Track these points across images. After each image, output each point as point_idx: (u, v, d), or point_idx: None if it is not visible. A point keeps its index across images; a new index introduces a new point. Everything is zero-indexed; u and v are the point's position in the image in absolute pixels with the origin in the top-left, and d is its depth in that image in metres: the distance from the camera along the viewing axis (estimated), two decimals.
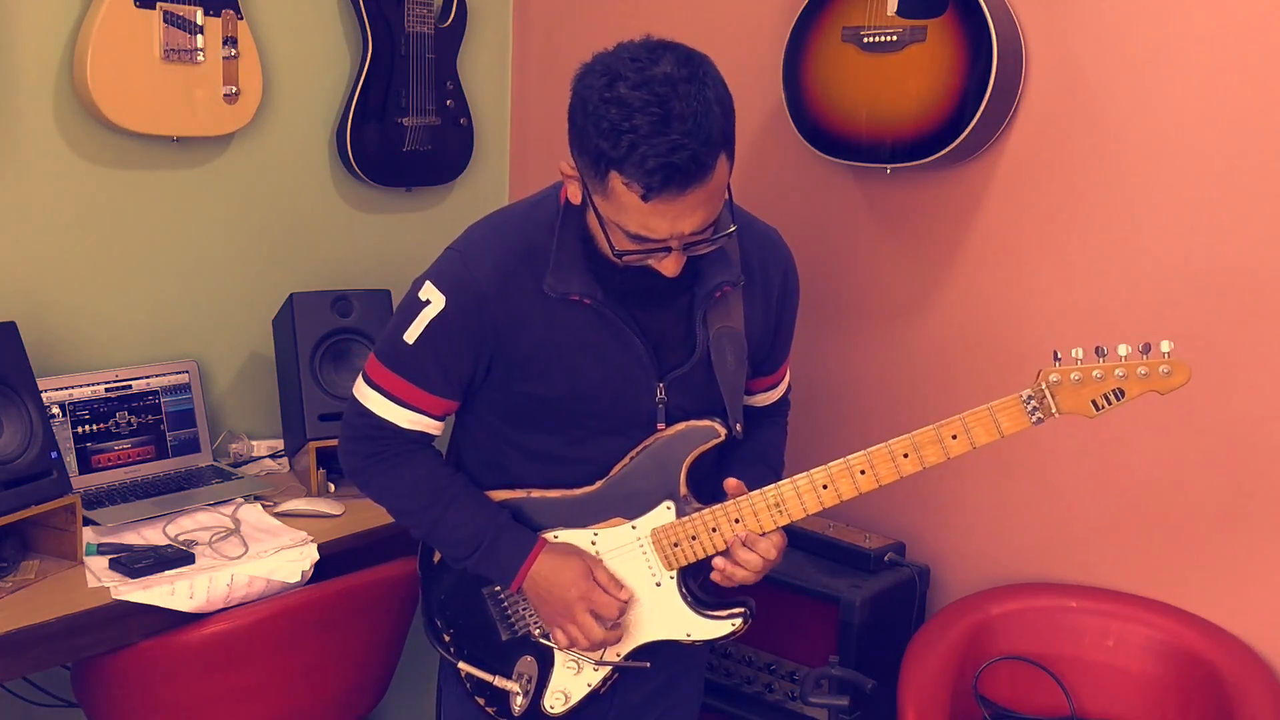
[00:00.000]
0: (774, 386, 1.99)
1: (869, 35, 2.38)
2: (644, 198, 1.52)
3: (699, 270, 1.73)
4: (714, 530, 1.75)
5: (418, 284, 1.76)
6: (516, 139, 3.27)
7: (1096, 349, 1.64)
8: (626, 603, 1.78)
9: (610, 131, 1.50)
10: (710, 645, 1.83)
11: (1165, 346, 1.62)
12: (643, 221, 1.55)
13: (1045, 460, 2.50)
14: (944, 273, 2.58)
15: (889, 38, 2.36)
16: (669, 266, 1.61)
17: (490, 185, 3.23)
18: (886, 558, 2.53)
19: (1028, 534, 2.54)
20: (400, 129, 2.87)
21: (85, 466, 2.46)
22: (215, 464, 2.64)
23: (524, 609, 1.85)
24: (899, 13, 2.34)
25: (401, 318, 1.76)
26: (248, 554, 2.23)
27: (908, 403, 2.65)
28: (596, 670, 1.82)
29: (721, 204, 1.61)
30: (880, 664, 2.38)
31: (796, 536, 2.61)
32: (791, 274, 1.91)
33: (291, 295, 2.62)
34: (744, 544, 1.73)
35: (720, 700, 2.53)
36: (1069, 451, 2.47)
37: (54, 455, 2.16)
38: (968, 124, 2.30)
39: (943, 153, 2.33)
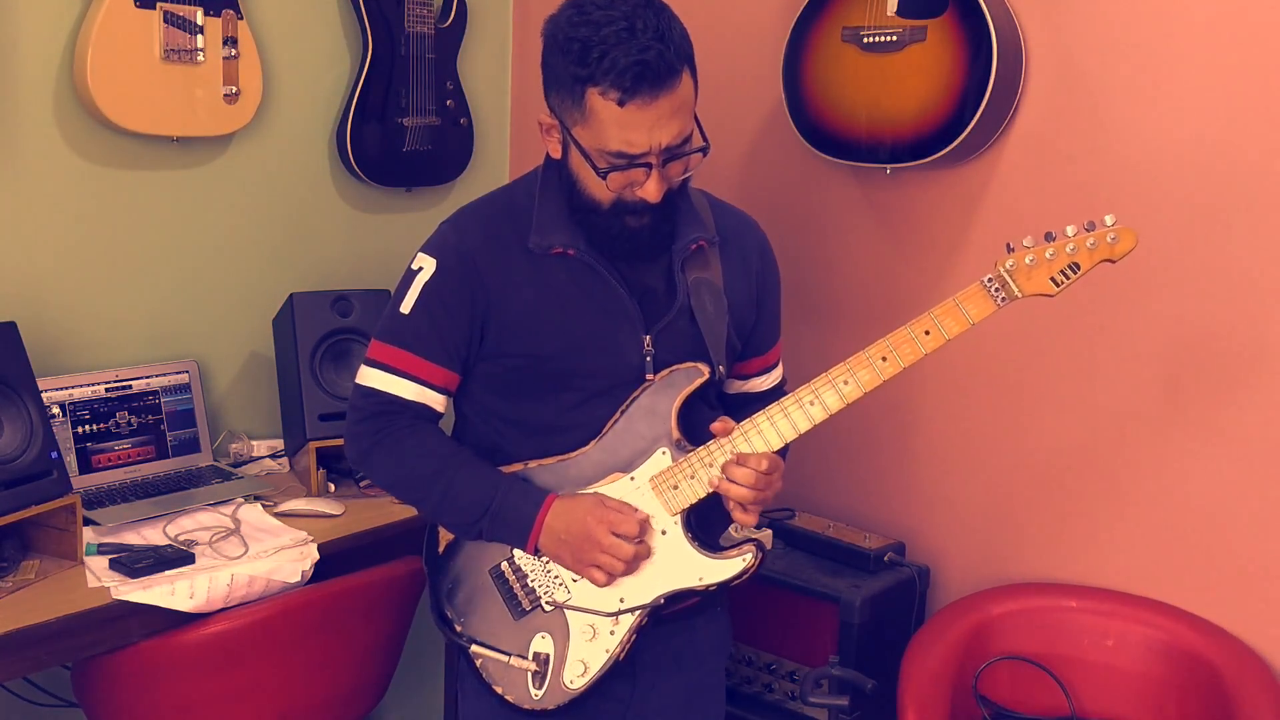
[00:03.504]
0: (769, 370, 2.01)
1: (869, 35, 2.38)
2: (620, 102, 1.61)
3: (675, 229, 1.80)
4: (711, 466, 1.76)
5: (411, 259, 1.83)
6: (516, 139, 3.27)
7: (1046, 234, 1.71)
8: (644, 522, 1.77)
9: (581, 52, 1.62)
10: (725, 589, 1.80)
11: (1109, 219, 1.69)
12: (622, 136, 1.64)
13: (1045, 460, 2.50)
14: (944, 273, 2.58)
15: (889, 38, 2.36)
16: (651, 189, 1.68)
17: (490, 185, 3.20)
18: (886, 558, 2.53)
19: (1028, 534, 2.54)
20: (400, 129, 2.87)
21: (85, 466, 2.46)
22: (215, 464, 2.64)
23: (533, 582, 1.84)
24: (899, 13, 2.35)
25: (397, 294, 1.83)
26: (248, 554, 2.22)
27: (908, 402, 2.65)
28: (613, 633, 1.80)
29: (692, 121, 1.69)
30: (880, 664, 2.38)
31: (797, 537, 2.62)
32: (769, 253, 1.97)
33: (291, 295, 2.62)
34: (736, 463, 1.75)
35: None
36: (1069, 452, 2.47)
37: (54, 455, 2.16)
38: (968, 124, 2.30)
39: (943, 153, 2.33)
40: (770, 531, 2.56)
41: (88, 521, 2.25)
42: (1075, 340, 2.42)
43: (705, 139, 1.73)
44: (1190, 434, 2.33)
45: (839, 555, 2.54)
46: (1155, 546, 2.39)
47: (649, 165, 1.67)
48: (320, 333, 2.61)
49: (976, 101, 2.29)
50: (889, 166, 2.41)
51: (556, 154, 1.77)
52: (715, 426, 1.76)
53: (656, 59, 1.60)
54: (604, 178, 1.68)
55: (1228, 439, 2.29)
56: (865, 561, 2.51)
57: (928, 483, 2.66)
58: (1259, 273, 2.23)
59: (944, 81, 2.32)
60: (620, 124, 1.63)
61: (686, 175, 1.74)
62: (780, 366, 2.05)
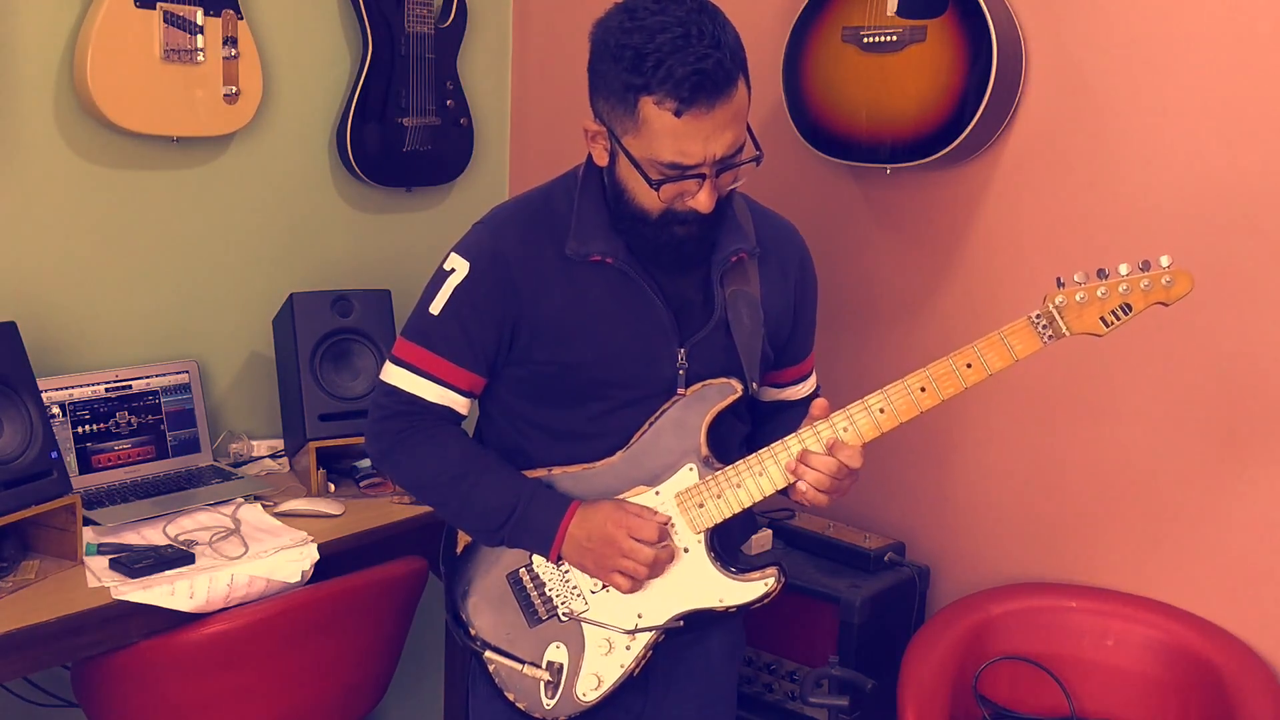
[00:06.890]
0: (803, 379, 1.98)
1: (869, 35, 2.38)
2: (678, 112, 1.56)
3: (716, 240, 1.76)
4: (739, 486, 1.73)
5: (444, 259, 1.79)
6: (516, 139, 3.27)
7: (1099, 271, 1.65)
8: (664, 525, 1.73)
9: (635, 60, 1.56)
10: (744, 612, 1.78)
11: (1164, 260, 1.64)
12: (677, 146, 1.59)
13: (1045, 460, 2.50)
14: (944, 273, 2.58)
15: (889, 38, 2.36)
16: (704, 200, 1.64)
17: (490, 185, 3.23)
18: (886, 558, 2.53)
19: (1028, 534, 2.54)
20: (400, 129, 2.87)
21: (85, 466, 2.46)
22: (215, 464, 2.64)
23: (550, 591, 1.82)
24: (899, 13, 2.35)
25: (427, 293, 1.78)
26: (248, 554, 2.23)
27: None
28: (629, 648, 1.79)
29: (745, 130, 1.64)
30: (880, 664, 2.39)
31: (797, 537, 2.62)
32: (808, 263, 1.93)
33: (291, 295, 2.62)
34: (828, 451, 1.69)
35: None
36: (1070, 451, 2.47)
37: (54, 455, 2.16)
38: (968, 124, 2.30)
39: (943, 153, 2.33)
40: (769, 532, 2.59)
41: (88, 521, 2.25)
42: (1076, 341, 2.42)
43: (758, 147, 1.68)
44: (1191, 435, 2.33)
45: (839, 555, 2.54)
46: (1155, 547, 2.39)
47: (702, 176, 1.62)
48: (320, 333, 2.61)
49: (976, 101, 2.29)
50: (889, 166, 2.41)
51: (602, 161, 1.71)
52: (816, 409, 1.71)
53: (715, 67, 1.54)
54: (656, 189, 1.63)
55: (1228, 440, 2.29)
56: (865, 561, 2.51)
57: (928, 483, 2.66)
58: (1257, 266, 2.23)
59: (944, 81, 2.32)
60: (675, 134, 1.58)
61: (736, 184, 1.70)
62: (814, 376, 2.01)
